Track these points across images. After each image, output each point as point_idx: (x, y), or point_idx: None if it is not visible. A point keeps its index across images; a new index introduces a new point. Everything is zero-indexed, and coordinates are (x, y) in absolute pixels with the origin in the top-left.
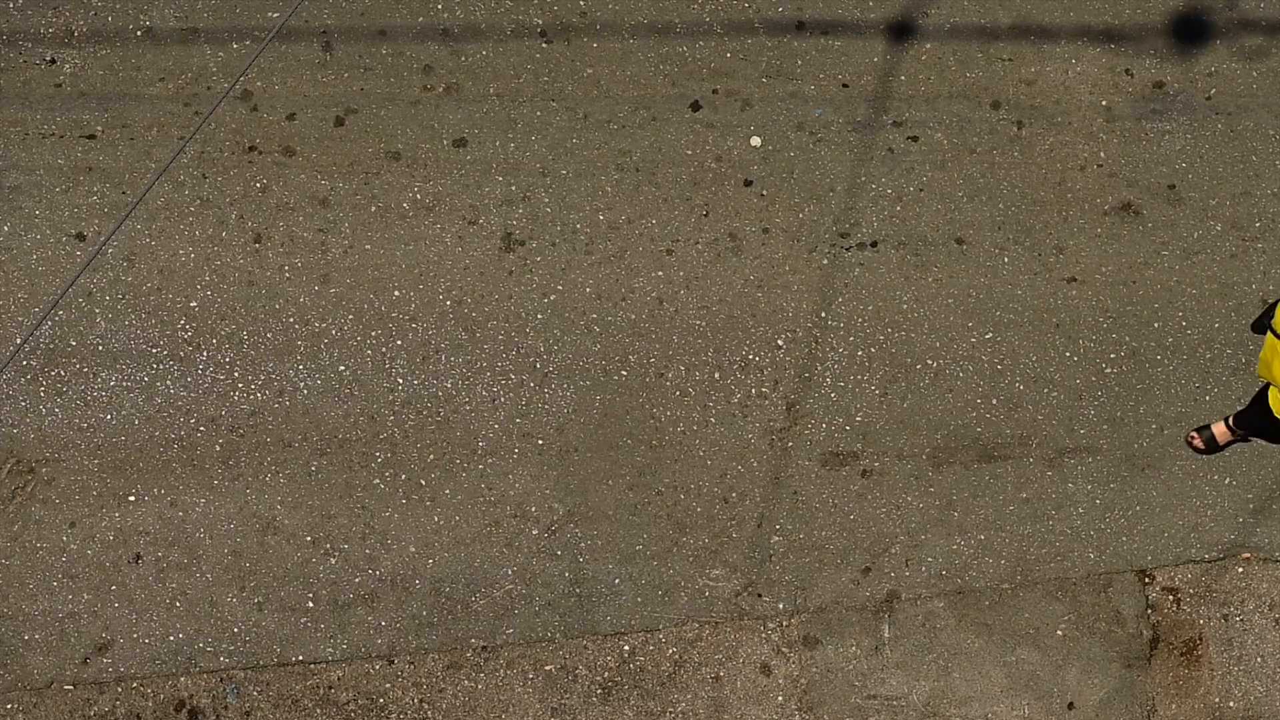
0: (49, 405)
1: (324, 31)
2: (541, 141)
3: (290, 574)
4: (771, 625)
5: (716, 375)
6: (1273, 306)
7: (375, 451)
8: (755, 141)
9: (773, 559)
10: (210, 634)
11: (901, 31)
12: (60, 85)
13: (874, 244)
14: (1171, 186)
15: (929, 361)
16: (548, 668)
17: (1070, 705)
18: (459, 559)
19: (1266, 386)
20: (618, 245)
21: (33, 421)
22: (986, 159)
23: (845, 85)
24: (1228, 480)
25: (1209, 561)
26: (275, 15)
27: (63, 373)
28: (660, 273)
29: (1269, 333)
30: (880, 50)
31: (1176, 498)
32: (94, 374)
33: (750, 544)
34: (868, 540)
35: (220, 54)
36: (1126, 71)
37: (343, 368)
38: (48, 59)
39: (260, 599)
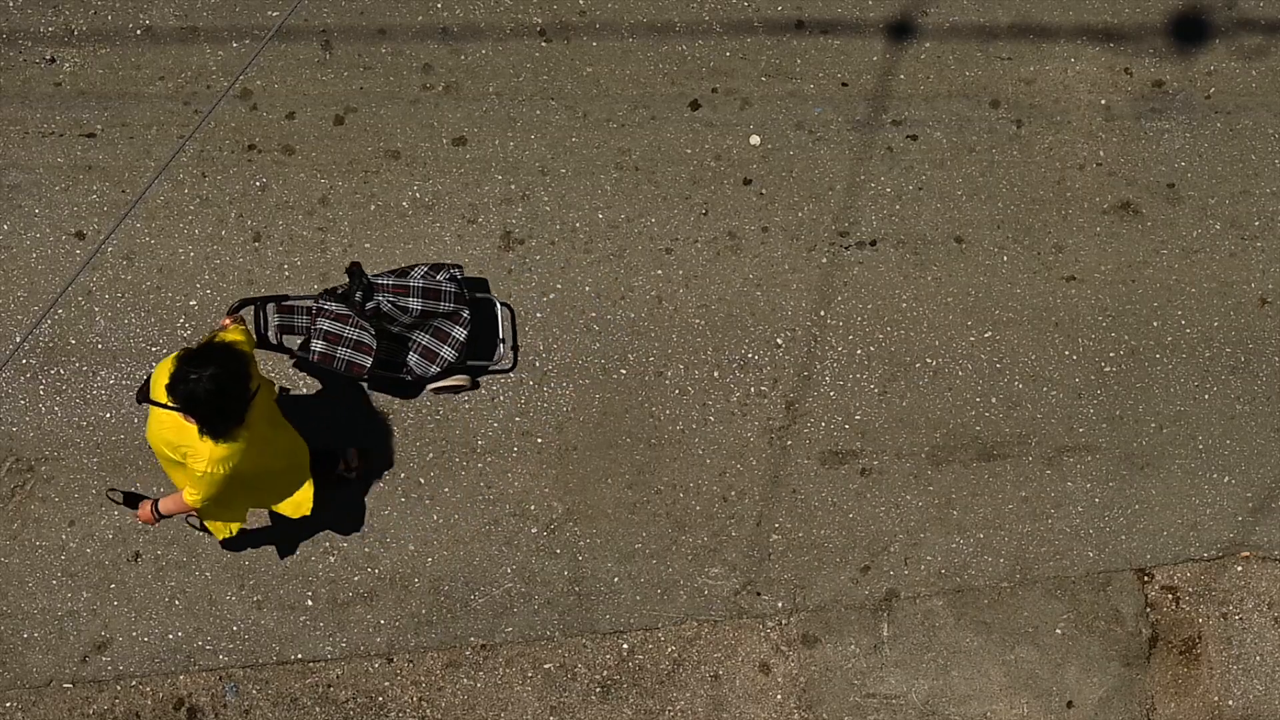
0: (48, 403)
1: (324, 30)
2: (541, 140)
3: (289, 572)
4: (770, 624)
5: (715, 374)
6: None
7: None
8: (754, 140)
9: (772, 557)
10: (209, 632)
11: (901, 30)
12: (60, 84)
13: (873, 242)
14: (1170, 185)
15: (928, 360)
16: (547, 666)
17: (1069, 704)
18: (458, 557)
19: None
20: (617, 244)
21: (32, 420)
22: (986, 158)
23: (844, 84)
24: (1227, 479)
25: (1208, 560)
26: (275, 14)
27: (62, 371)
28: (659, 271)
29: (150, 403)
30: (879, 49)
31: (1175, 496)
32: (93, 372)
33: (749, 542)
34: (867, 539)
35: (220, 53)
36: (1126, 70)
37: None
38: (47, 58)
39: (259, 597)
